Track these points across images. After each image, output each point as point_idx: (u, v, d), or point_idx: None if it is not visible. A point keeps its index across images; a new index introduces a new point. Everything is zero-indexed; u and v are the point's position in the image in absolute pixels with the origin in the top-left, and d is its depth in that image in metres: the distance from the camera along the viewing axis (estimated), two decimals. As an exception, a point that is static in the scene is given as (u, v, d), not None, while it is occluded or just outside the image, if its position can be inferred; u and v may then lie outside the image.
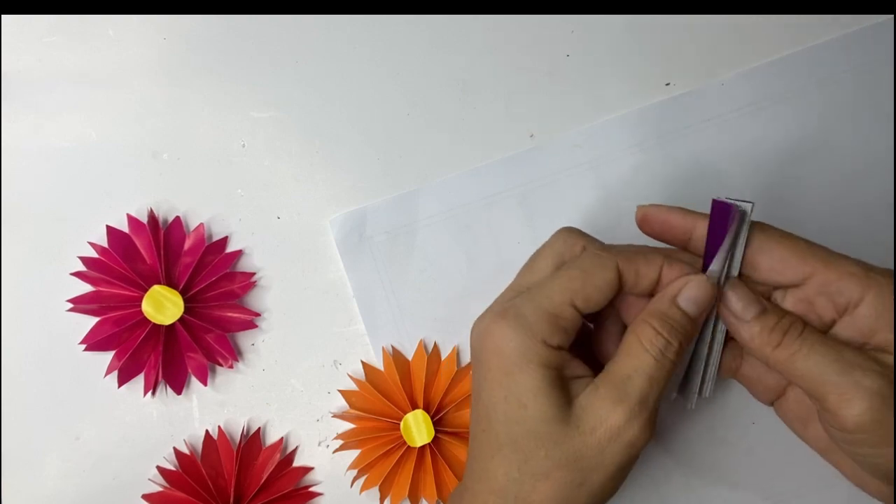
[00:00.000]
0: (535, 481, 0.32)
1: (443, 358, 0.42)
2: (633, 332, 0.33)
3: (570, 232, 0.35)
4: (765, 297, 0.33)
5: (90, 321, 0.42)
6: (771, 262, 0.32)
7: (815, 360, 0.31)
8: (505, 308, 0.33)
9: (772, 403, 0.36)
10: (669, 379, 0.32)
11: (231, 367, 0.42)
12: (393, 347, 0.42)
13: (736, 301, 0.33)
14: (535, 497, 0.32)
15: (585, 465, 0.31)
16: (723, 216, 0.32)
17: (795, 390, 0.35)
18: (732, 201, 0.32)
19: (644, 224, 0.35)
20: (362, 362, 0.42)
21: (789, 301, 0.33)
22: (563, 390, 0.32)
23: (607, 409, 0.31)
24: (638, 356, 0.32)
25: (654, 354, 0.32)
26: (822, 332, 0.33)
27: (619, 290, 0.33)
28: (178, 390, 0.42)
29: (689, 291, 0.33)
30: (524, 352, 0.32)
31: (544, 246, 0.35)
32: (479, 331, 0.33)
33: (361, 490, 0.42)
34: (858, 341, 0.32)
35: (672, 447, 0.41)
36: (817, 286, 0.32)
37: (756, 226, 0.33)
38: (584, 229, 0.42)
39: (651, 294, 0.34)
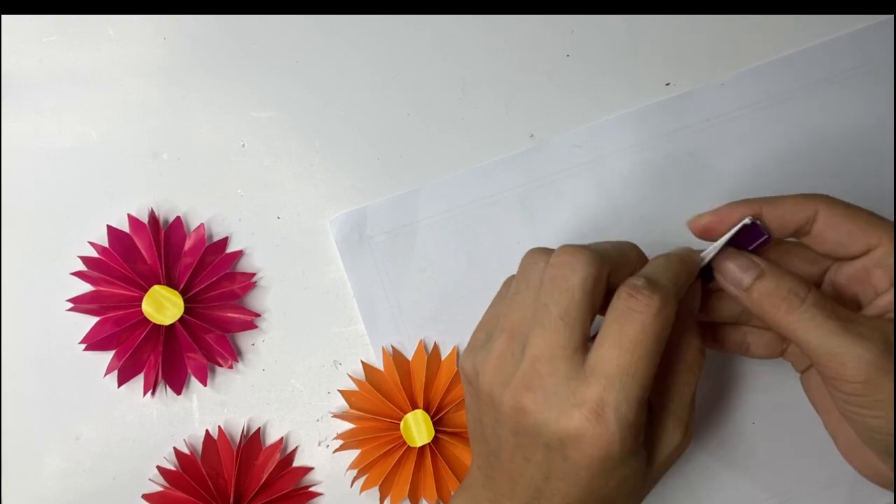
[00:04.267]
0: None
1: (443, 358, 0.42)
2: (683, 359, 0.33)
3: (591, 262, 0.31)
4: (820, 272, 0.35)
5: (90, 321, 0.42)
6: (838, 237, 0.33)
7: (815, 331, 0.31)
8: (598, 410, 0.30)
9: (780, 355, 0.37)
10: None
11: (231, 367, 0.42)
12: (393, 347, 0.42)
13: (734, 269, 0.33)
14: None
15: (653, 482, 0.33)
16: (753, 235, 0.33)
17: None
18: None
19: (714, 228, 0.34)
20: (362, 362, 0.42)
21: (845, 272, 0.33)
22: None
23: (676, 439, 0.33)
24: (690, 383, 0.33)
25: (699, 374, 0.33)
26: (859, 303, 0.33)
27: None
28: (178, 390, 0.42)
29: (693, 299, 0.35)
30: (631, 450, 0.31)
31: (574, 288, 0.31)
32: (565, 431, 0.30)
33: (361, 490, 0.42)
34: None
35: (672, 447, 0.41)
36: (877, 258, 0.32)
37: (822, 199, 0.33)
38: (584, 229, 0.42)
39: None
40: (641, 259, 0.34)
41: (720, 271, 0.33)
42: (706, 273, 0.34)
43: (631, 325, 0.30)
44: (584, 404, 0.30)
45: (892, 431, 0.31)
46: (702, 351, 0.34)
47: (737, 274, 0.33)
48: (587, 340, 0.31)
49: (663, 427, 0.32)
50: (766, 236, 0.33)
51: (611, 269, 0.32)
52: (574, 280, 0.31)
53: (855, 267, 0.33)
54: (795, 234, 0.34)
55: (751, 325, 0.37)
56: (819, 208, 0.33)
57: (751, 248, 0.33)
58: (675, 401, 0.33)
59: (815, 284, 0.34)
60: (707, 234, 0.34)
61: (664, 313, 0.30)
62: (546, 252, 0.33)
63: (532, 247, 0.35)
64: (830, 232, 0.33)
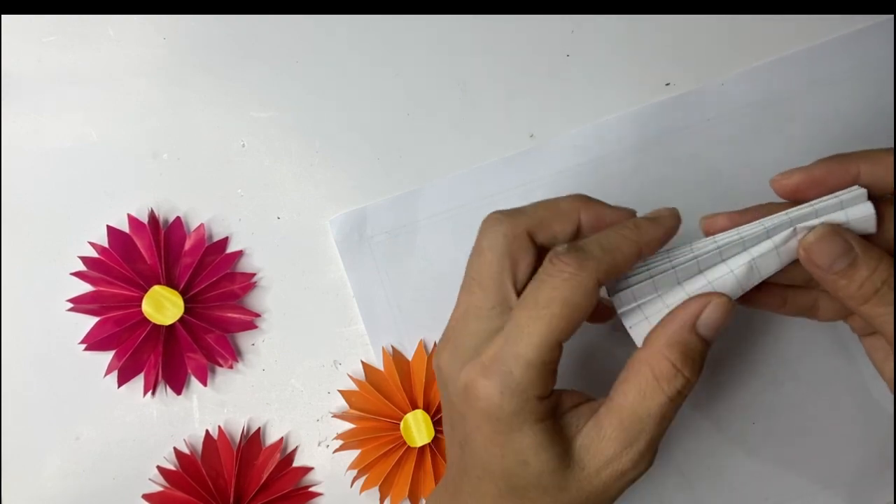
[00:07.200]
0: None
1: (443, 358, 0.42)
2: (648, 364, 0.30)
3: (500, 221, 0.32)
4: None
5: (90, 321, 0.42)
6: None
7: None
8: (487, 364, 0.29)
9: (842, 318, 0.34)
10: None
11: (231, 367, 0.42)
12: (393, 347, 0.42)
13: (826, 253, 0.29)
14: None
15: (590, 502, 0.30)
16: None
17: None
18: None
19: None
20: (362, 362, 0.42)
21: None
22: (561, 435, 0.30)
23: (615, 452, 0.30)
24: (653, 397, 0.29)
25: (671, 395, 0.29)
26: None
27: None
28: (178, 390, 0.42)
29: (711, 318, 0.30)
30: (518, 412, 0.29)
31: (483, 249, 0.32)
32: (461, 385, 0.30)
33: (361, 490, 0.42)
34: None
35: (671, 447, 0.41)
36: None
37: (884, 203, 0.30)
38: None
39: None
40: (594, 208, 0.32)
41: (807, 250, 0.30)
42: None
43: (543, 288, 0.29)
44: (478, 357, 0.30)
45: None
46: (681, 370, 0.30)
47: (827, 260, 0.29)
48: (507, 300, 0.31)
49: (601, 431, 0.30)
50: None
51: (530, 226, 0.31)
52: (484, 242, 0.32)
53: None
54: None
55: (822, 289, 0.33)
56: (883, 207, 0.30)
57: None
58: (626, 409, 0.30)
59: None
60: (796, 196, 0.31)
61: (578, 279, 0.29)
62: (514, 219, 0.32)
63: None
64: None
